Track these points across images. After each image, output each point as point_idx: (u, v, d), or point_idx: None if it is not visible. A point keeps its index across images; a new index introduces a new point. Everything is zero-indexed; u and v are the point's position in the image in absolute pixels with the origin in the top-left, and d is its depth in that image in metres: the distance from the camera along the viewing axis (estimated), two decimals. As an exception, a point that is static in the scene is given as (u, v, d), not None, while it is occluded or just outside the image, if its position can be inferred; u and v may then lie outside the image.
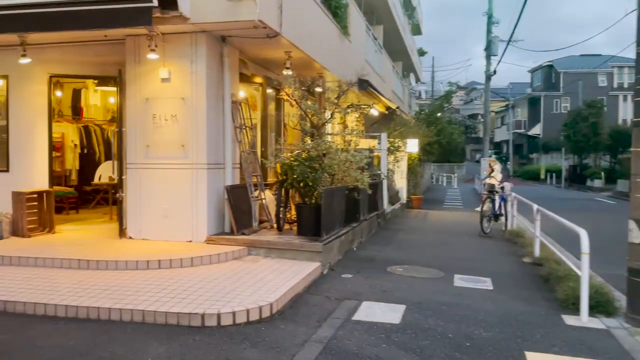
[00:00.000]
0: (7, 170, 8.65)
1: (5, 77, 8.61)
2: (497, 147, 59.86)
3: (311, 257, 7.09)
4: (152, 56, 7.40)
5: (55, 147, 10.75)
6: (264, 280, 6.09)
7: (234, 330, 4.83)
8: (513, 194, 12.31)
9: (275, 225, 8.33)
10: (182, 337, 4.62)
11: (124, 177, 7.94)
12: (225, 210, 7.90)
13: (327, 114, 9.50)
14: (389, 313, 5.45)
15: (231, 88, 8.16)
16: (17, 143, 8.65)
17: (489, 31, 33.15)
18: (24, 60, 7.84)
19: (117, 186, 8.09)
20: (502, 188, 12.29)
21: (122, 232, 7.98)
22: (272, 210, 8.66)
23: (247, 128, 8.65)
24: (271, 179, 9.92)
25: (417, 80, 31.23)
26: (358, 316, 5.34)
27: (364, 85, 12.46)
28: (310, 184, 7.79)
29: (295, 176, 7.66)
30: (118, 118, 8.03)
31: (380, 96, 14.24)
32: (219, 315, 4.93)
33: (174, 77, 7.68)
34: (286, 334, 4.78)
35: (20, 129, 8.64)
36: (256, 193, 8.40)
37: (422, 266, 7.87)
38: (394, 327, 5.02)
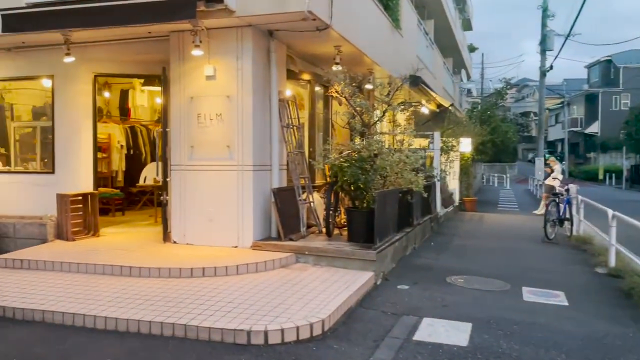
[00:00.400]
0: (53, 172, 8.52)
1: (51, 76, 8.48)
2: (550, 146, 57.53)
3: (364, 265, 6.57)
4: (196, 52, 7.05)
5: (101, 148, 10.66)
6: (314, 291, 5.61)
7: (283, 349, 4.37)
8: (579, 196, 11.40)
9: (324, 230, 7.85)
10: (226, 358, 4.20)
11: (168, 179, 7.64)
12: (271, 214, 7.48)
13: (378, 112, 8.95)
14: (455, 333, 4.87)
15: (278, 85, 7.73)
16: (62, 144, 8.51)
17: (543, 25, 31.72)
18: (68, 59, 7.65)
19: (162, 188, 7.80)
20: (567, 190, 11.40)
21: (166, 236, 7.68)
22: (320, 213, 8.19)
23: (295, 127, 8.21)
24: (319, 181, 9.45)
25: (468, 77, 30.17)
26: (419, 335, 4.79)
27: (416, 81, 11.81)
28: (361, 186, 7.27)
29: (345, 178, 7.15)
30: (163, 118, 7.74)
31: (432, 93, 13.55)
32: (266, 333, 4.48)
33: (219, 74, 7.31)
34: (340, 356, 4.29)
35: (66, 129, 8.49)
36: (304, 196, 7.95)
37: (484, 277, 7.21)
38: (462, 351, 4.44)
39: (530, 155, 56.22)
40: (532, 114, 56.15)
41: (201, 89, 7.40)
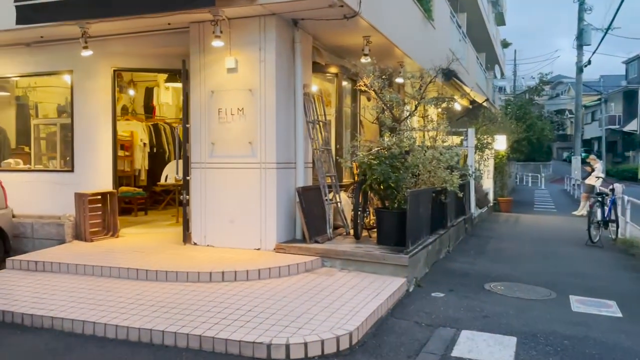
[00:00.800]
0: (72, 171, 8.26)
1: (70, 72, 8.23)
2: (587, 144, 55.67)
3: (395, 271, 6.08)
4: (217, 43, 6.68)
5: (124, 147, 10.42)
6: (341, 299, 5.16)
7: (306, 366, 3.94)
8: (626, 197, 10.65)
9: (351, 232, 7.39)
10: (242, 375, 3.79)
11: (188, 177, 7.29)
12: (296, 214, 7.06)
13: (408, 107, 8.43)
14: (498, 349, 4.35)
15: (303, 78, 7.30)
16: (81, 142, 8.24)
17: (580, 19, 30.60)
18: (86, 53, 7.37)
19: (182, 187, 7.45)
20: (612, 190, 10.67)
21: (186, 238, 7.33)
22: (348, 214, 7.74)
23: (321, 123, 7.77)
24: (346, 179, 8.99)
25: (502, 74, 29.23)
26: (458, 351, 4.29)
27: (449, 75, 11.25)
28: (392, 185, 6.79)
29: (375, 177, 6.67)
30: (183, 113, 7.39)
31: (465, 88, 12.94)
32: (287, 347, 4.05)
33: (241, 66, 6.92)
34: (370, 375, 3.83)
35: (85, 126, 8.23)
36: (330, 195, 7.51)
37: (526, 283, 6.64)
38: (508, 371, 3.93)
39: (565, 154, 54.58)
40: (566, 112, 54.52)
41: (222, 83, 7.03)
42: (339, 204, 7.67)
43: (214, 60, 7.04)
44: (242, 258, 6.45)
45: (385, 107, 7.83)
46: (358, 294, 5.36)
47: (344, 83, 8.92)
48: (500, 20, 28.61)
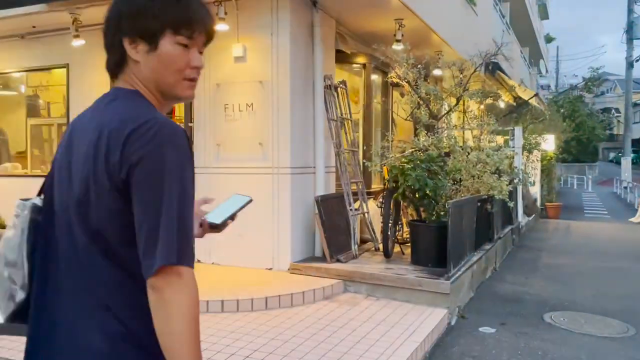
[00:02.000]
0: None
1: (66, 66, 7.40)
2: (636, 144, 52.81)
3: (433, 299, 4.96)
4: (221, 27, 5.69)
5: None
6: (365, 342, 4.07)
7: None
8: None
9: (380, 247, 6.30)
10: None
11: (191, 184, 6.33)
12: (315, 227, 6.01)
13: (447, 102, 7.30)
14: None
15: (324, 68, 6.26)
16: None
17: (630, 11, 28.65)
18: (77, 43, 6.51)
19: (183, 196, 6.51)
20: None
21: (190, 253, 6.37)
22: (377, 226, 6.65)
23: (346, 121, 6.71)
24: (375, 185, 7.90)
25: (547, 70, 27.54)
26: None
27: (494, 69, 10.01)
28: (429, 193, 5.68)
29: (409, 183, 5.56)
30: (185, 110, 6.45)
31: (511, 82, 11.65)
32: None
33: (250, 54, 5.93)
34: None
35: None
36: (356, 204, 6.43)
37: (594, 313, 5.43)
38: None
39: (611, 155, 51.86)
40: (612, 110, 51.84)
41: (229, 74, 6.05)
42: (366, 214, 6.60)
43: (220, 48, 6.05)
44: (249, 281, 5.44)
45: (420, 102, 6.72)
46: (387, 332, 4.27)
47: (373, 76, 7.83)
48: (544, 14, 26.93)
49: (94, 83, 7.27)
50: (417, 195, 5.79)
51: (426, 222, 5.85)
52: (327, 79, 6.34)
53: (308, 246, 6.04)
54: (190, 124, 6.33)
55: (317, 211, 5.88)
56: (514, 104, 13.50)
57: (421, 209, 6.12)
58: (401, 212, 6.40)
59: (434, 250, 5.51)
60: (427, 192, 5.61)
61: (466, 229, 5.93)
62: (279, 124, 5.81)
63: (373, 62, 7.62)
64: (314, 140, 6.21)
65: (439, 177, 5.76)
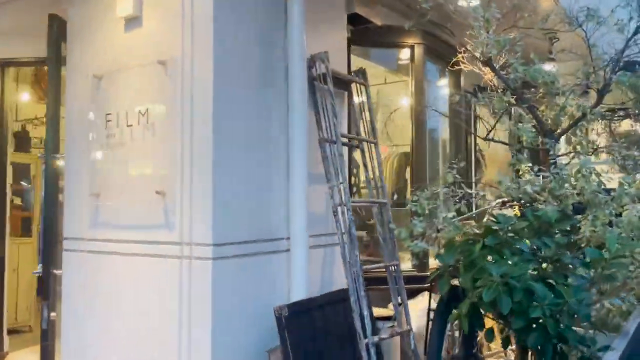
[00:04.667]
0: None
1: None
2: None
3: None
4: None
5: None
6: None
7: None
8: None
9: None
10: None
11: (56, 271, 3.29)
12: (279, 376, 2.70)
13: (573, 104, 3.74)
14: None
15: (311, 44, 3.10)
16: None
17: None
18: None
19: (42, 292, 3.43)
20: None
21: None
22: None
23: (367, 144, 3.45)
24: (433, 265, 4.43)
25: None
26: None
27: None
28: (543, 320, 2.19)
29: (484, 297, 2.12)
30: (47, 129, 3.47)
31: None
32: None
33: (149, 11, 2.91)
34: None
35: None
36: (386, 309, 3.07)
37: None
38: None
39: None
40: None
41: (116, 55, 3.04)
42: (409, 329, 3.19)
43: (104, 11, 3.10)
44: None
45: (516, 103, 3.30)
46: None
47: (429, 64, 4.45)
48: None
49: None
50: (510, 317, 2.34)
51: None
52: (316, 62, 3.13)
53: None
54: (56, 156, 3.34)
55: (280, 346, 2.59)
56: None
57: (522, 334, 2.64)
58: (476, 344, 2.93)
59: None
60: (538, 316, 2.14)
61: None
62: (193, 150, 2.67)
63: (429, 44, 4.30)
64: (288, 182, 2.99)
65: (570, 272, 2.28)
